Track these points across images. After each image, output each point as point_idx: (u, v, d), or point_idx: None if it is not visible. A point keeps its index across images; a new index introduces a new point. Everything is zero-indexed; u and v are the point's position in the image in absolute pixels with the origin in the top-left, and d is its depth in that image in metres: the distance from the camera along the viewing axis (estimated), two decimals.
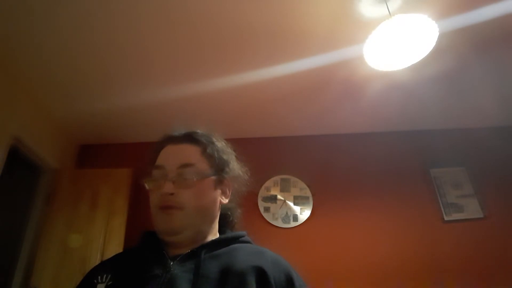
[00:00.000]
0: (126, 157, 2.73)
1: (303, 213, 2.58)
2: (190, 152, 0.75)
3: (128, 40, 1.82)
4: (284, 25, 1.76)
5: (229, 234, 0.77)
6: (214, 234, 0.76)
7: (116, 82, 2.15)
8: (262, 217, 2.57)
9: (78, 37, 1.77)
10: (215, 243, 0.71)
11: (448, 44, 1.88)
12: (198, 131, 0.80)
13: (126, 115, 2.52)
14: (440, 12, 1.69)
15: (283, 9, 1.67)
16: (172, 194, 0.68)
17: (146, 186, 0.73)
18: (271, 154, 2.83)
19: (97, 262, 2.01)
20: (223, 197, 0.77)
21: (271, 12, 1.68)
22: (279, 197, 2.66)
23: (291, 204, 2.63)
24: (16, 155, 2.07)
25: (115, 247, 2.19)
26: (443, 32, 1.62)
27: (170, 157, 0.74)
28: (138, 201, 2.33)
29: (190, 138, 0.77)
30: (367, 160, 2.77)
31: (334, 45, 1.91)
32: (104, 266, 0.71)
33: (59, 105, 2.34)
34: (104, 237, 2.24)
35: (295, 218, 2.57)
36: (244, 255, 0.68)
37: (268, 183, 2.70)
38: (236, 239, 0.75)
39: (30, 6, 1.57)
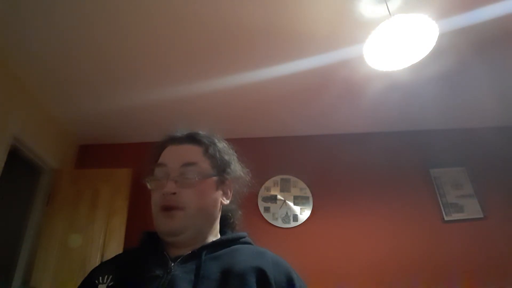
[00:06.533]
0: (126, 157, 2.73)
1: (303, 213, 2.58)
2: (192, 152, 0.75)
3: (129, 41, 1.82)
4: (284, 25, 1.76)
5: (230, 235, 0.77)
6: (215, 235, 0.76)
7: (117, 83, 2.15)
8: (262, 217, 2.57)
9: (78, 37, 1.77)
10: (216, 244, 0.71)
11: (448, 44, 1.88)
12: (200, 131, 0.80)
13: (126, 115, 2.52)
14: (440, 12, 1.69)
15: (284, 10, 1.67)
16: (174, 193, 0.69)
17: (148, 185, 0.73)
18: (271, 154, 2.83)
19: (97, 262, 2.02)
20: (224, 198, 0.78)
21: (272, 13, 1.68)
22: (279, 197, 2.66)
23: (291, 204, 2.63)
24: (16, 155, 2.07)
25: (115, 247, 2.18)
26: (443, 32, 1.62)
27: (173, 156, 0.75)
28: (138, 201, 2.33)
29: (192, 138, 0.78)
30: (367, 160, 2.77)
31: (334, 45, 1.91)
32: (105, 266, 0.71)
33: (59, 105, 2.34)
34: (104, 237, 2.24)
35: (295, 218, 2.57)
36: (245, 256, 0.68)
37: (268, 183, 2.70)
38: (237, 240, 0.75)
39: (31, 5, 1.57)
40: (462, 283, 2.26)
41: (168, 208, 0.68)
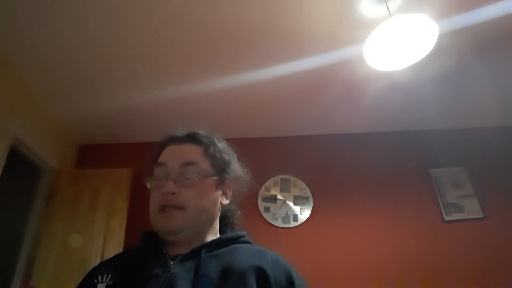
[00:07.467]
0: (126, 157, 2.73)
1: (303, 213, 2.58)
2: (192, 152, 0.75)
3: (129, 41, 1.82)
4: (284, 25, 1.76)
5: (230, 234, 0.77)
6: (214, 234, 0.76)
7: (117, 83, 2.15)
8: (262, 217, 2.57)
9: (78, 37, 1.77)
10: (216, 243, 0.71)
11: (448, 44, 1.88)
12: (200, 131, 0.80)
13: (127, 115, 2.52)
14: (440, 12, 1.69)
15: (284, 10, 1.67)
16: (173, 193, 0.69)
17: (148, 185, 0.73)
18: (271, 154, 2.83)
19: (97, 262, 2.02)
20: (224, 198, 0.78)
21: (272, 13, 1.68)
22: (279, 197, 2.66)
23: (291, 204, 2.63)
24: (16, 155, 2.07)
25: (115, 247, 2.19)
26: (443, 32, 1.62)
27: (172, 156, 0.75)
28: (138, 201, 2.33)
29: (192, 138, 0.78)
30: (367, 160, 2.77)
31: (334, 45, 1.91)
32: (105, 266, 0.71)
33: (59, 105, 2.34)
34: (104, 237, 2.24)
35: (295, 218, 2.57)
36: (245, 255, 0.68)
37: (268, 183, 2.70)
38: (237, 239, 0.75)
39: (31, 5, 1.57)
40: (462, 283, 2.25)
41: (167, 207, 0.68)
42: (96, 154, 2.82)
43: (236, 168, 0.81)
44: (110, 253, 2.11)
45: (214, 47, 1.89)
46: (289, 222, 2.56)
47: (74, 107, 2.38)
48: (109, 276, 0.66)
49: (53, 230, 2.23)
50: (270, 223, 2.55)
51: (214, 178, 0.74)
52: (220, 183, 0.76)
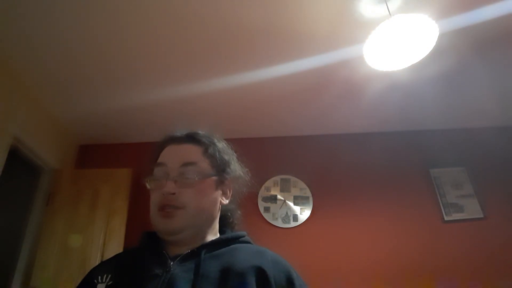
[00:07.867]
0: (126, 157, 2.73)
1: (303, 213, 2.58)
2: (192, 152, 0.75)
3: (129, 41, 1.82)
4: (284, 25, 1.76)
5: (229, 234, 0.77)
6: (214, 234, 0.76)
7: (117, 83, 2.15)
8: (262, 217, 2.57)
9: (78, 37, 1.77)
10: (215, 243, 0.71)
11: (448, 44, 1.88)
12: (200, 131, 0.80)
13: (127, 115, 2.51)
14: (440, 12, 1.69)
15: (284, 10, 1.67)
16: (173, 193, 0.69)
17: (148, 185, 0.73)
18: (271, 154, 2.83)
19: (97, 262, 2.02)
20: (224, 198, 0.78)
21: (272, 13, 1.68)
22: (279, 197, 2.66)
23: (291, 204, 2.63)
24: (16, 155, 2.07)
25: (115, 247, 2.19)
26: (443, 32, 1.62)
27: (172, 156, 0.75)
28: (138, 201, 2.33)
29: (191, 138, 0.78)
30: (367, 160, 2.77)
31: (334, 45, 1.91)
32: (105, 266, 0.71)
33: (59, 105, 2.34)
34: (104, 237, 2.24)
35: (295, 218, 2.57)
36: (244, 255, 0.68)
37: (268, 183, 2.70)
38: (236, 239, 0.75)
39: (31, 5, 1.57)
40: (462, 283, 2.26)
41: (166, 207, 0.68)
42: (96, 154, 2.82)
43: (236, 168, 0.81)
44: (110, 253, 2.11)
45: (214, 47, 1.89)
46: (289, 222, 2.56)
47: (74, 107, 2.38)
48: (109, 276, 0.66)
49: (53, 230, 2.23)
50: (270, 223, 2.55)
51: (214, 178, 0.74)
52: (220, 183, 0.76)
